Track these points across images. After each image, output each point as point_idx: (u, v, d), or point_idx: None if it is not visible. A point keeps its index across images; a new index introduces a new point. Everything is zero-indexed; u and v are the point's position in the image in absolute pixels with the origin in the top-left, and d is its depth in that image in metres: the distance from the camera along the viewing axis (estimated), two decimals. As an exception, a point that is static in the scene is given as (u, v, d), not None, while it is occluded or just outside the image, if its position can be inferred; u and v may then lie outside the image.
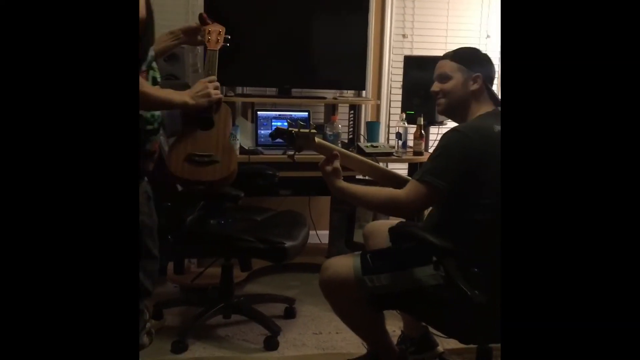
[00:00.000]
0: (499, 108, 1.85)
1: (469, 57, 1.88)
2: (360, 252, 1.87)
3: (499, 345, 1.92)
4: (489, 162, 1.66)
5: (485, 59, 1.91)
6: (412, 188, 1.76)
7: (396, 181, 2.07)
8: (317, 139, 1.97)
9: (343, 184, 1.88)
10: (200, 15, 2.16)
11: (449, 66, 1.88)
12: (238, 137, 3.01)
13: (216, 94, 2.06)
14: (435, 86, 1.90)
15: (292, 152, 1.97)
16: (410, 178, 2.02)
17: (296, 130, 1.94)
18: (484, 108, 1.85)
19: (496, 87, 2.02)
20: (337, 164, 1.87)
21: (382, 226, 2.05)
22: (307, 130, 1.95)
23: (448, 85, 1.87)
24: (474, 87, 1.84)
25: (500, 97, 1.88)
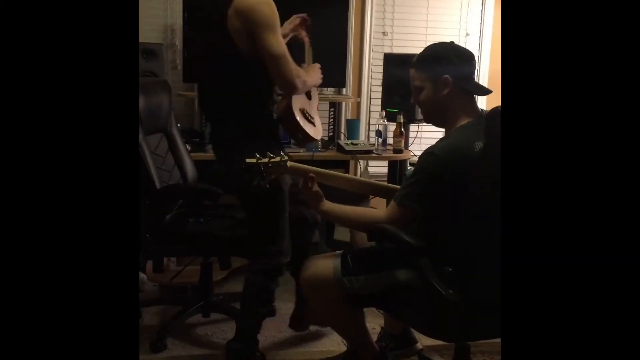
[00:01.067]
0: (480, 117, 1.76)
1: (432, 61, 1.78)
2: (341, 252, 1.88)
3: (477, 342, 1.95)
4: (467, 181, 1.64)
5: (454, 55, 1.78)
6: (392, 211, 1.76)
7: (377, 191, 2.07)
8: (289, 163, 1.93)
9: (326, 206, 1.88)
10: (306, 20, 2.42)
11: (417, 77, 1.80)
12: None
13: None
14: (412, 98, 1.86)
15: (264, 182, 1.92)
16: (391, 185, 2.05)
17: (265, 161, 1.89)
18: (463, 116, 1.76)
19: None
20: (315, 187, 1.87)
21: None
22: (277, 159, 1.90)
23: (421, 97, 1.80)
24: (446, 91, 1.75)
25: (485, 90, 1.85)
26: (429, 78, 1.77)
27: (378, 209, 1.83)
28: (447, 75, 1.74)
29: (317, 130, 2.25)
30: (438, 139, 1.83)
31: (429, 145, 1.79)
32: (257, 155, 1.91)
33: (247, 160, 1.93)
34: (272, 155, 1.90)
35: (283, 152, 1.97)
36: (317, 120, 2.29)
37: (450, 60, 1.76)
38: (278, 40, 1.94)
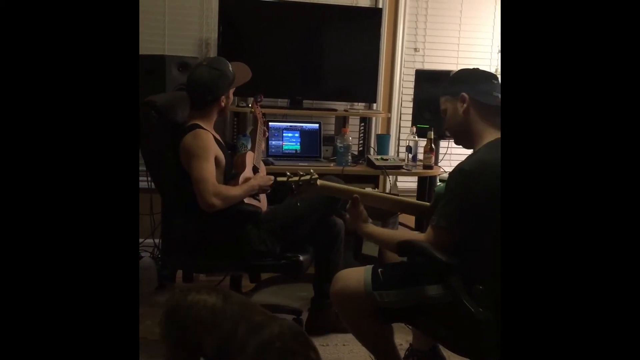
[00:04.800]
0: None
1: (453, 83, 1.87)
2: (372, 265, 1.88)
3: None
4: (497, 196, 1.63)
5: (471, 76, 1.87)
6: (431, 234, 1.75)
7: (405, 208, 2.07)
8: (319, 182, 2.00)
9: (370, 228, 1.90)
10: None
11: (442, 101, 1.89)
12: (249, 147, 3.02)
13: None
14: (444, 125, 1.93)
15: (295, 200, 2.07)
16: (425, 203, 2.07)
17: (295, 179, 1.97)
18: (489, 133, 1.79)
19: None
20: (360, 207, 1.90)
21: None
22: (307, 178, 1.97)
23: (446, 119, 1.88)
24: (463, 107, 1.81)
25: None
26: (449, 99, 1.86)
27: (418, 232, 1.82)
28: (463, 93, 1.81)
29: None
30: (467, 156, 1.84)
31: (459, 162, 1.81)
32: (288, 174, 1.99)
33: (279, 179, 2.03)
34: (302, 173, 1.97)
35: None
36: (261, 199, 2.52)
37: (466, 80, 1.84)
38: (200, 166, 2.25)
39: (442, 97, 1.89)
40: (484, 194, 1.67)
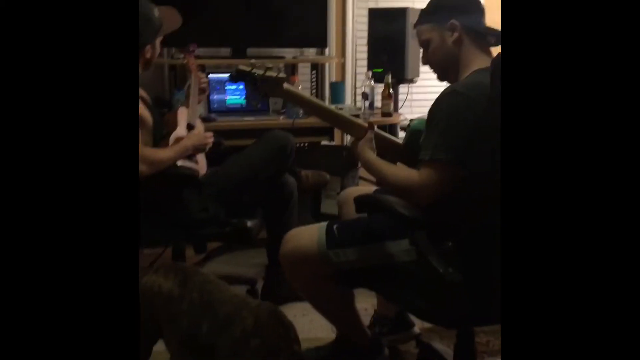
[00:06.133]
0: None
1: (436, 9, 1.69)
2: (326, 222, 1.69)
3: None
4: (490, 125, 1.42)
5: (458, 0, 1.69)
6: (425, 172, 1.52)
7: (385, 146, 1.86)
8: (285, 85, 1.81)
9: (371, 156, 1.73)
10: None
11: (423, 31, 1.70)
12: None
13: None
14: (422, 56, 1.75)
15: (258, 98, 1.96)
16: (398, 140, 1.92)
17: (260, 73, 1.77)
18: (477, 61, 1.62)
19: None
20: (370, 135, 1.75)
21: (357, 193, 1.87)
22: (273, 75, 1.78)
23: (430, 50, 1.69)
24: (454, 37, 1.64)
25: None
26: (435, 28, 1.68)
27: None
28: (452, 20, 1.64)
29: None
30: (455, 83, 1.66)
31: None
32: (252, 62, 1.81)
33: (241, 67, 1.83)
34: (269, 66, 1.80)
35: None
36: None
37: (453, 5, 1.67)
38: None
39: (422, 26, 1.71)
40: (480, 120, 1.46)
